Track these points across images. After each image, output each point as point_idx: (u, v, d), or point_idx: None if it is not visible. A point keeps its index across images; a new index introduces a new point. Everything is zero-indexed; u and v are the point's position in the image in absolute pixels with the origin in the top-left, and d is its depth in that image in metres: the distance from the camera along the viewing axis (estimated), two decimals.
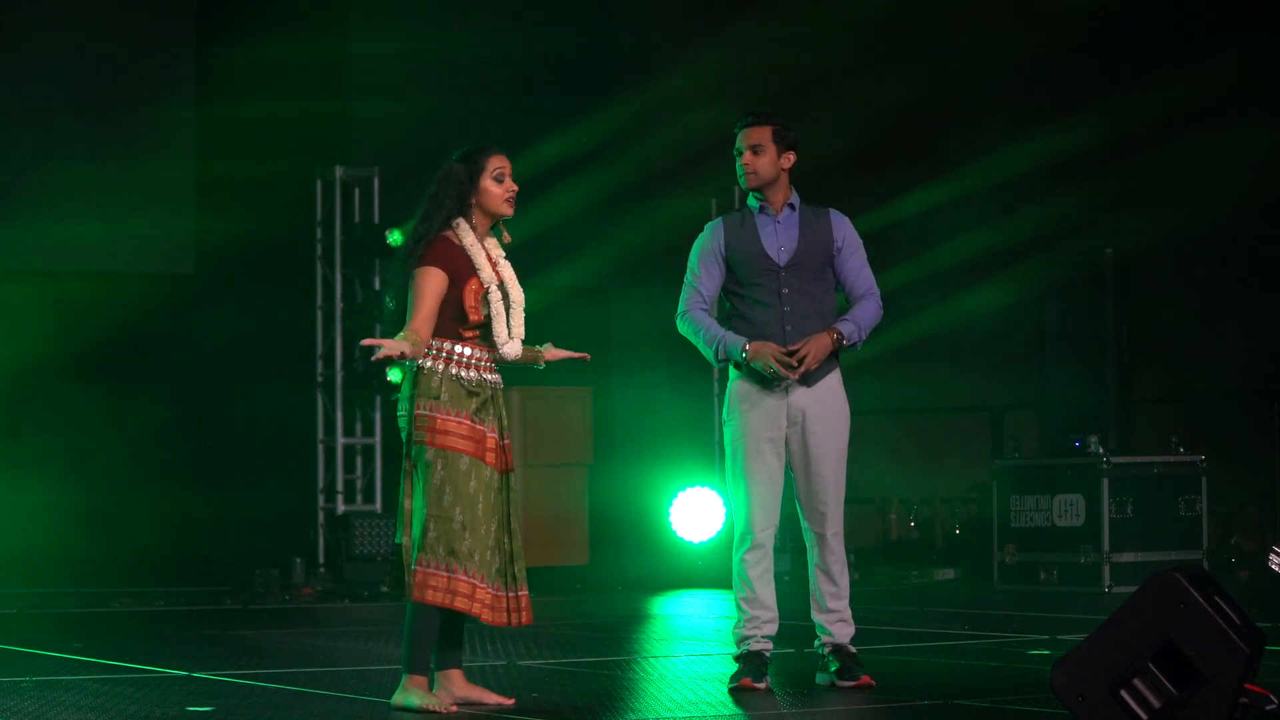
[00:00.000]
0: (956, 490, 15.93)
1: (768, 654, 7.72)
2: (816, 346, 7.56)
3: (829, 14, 15.38)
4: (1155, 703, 5.76)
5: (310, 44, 15.04)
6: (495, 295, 7.08)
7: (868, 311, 7.73)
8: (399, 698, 7.00)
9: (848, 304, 7.78)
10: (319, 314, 14.98)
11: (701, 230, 7.85)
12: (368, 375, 14.57)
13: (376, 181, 14.84)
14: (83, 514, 14.32)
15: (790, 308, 7.64)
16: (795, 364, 7.55)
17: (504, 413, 7.12)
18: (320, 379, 14.94)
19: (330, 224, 14.92)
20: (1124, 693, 5.78)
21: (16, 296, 14.57)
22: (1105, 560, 13.13)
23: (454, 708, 7.00)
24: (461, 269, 7.04)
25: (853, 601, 7.77)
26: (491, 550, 6.98)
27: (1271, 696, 6.04)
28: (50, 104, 15.02)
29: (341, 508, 14.76)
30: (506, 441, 7.10)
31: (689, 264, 7.77)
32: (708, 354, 7.71)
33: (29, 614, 12.09)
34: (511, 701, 7.14)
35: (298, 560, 14.41)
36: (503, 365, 7.18)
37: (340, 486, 14.81)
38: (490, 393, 7.07)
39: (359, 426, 14.94)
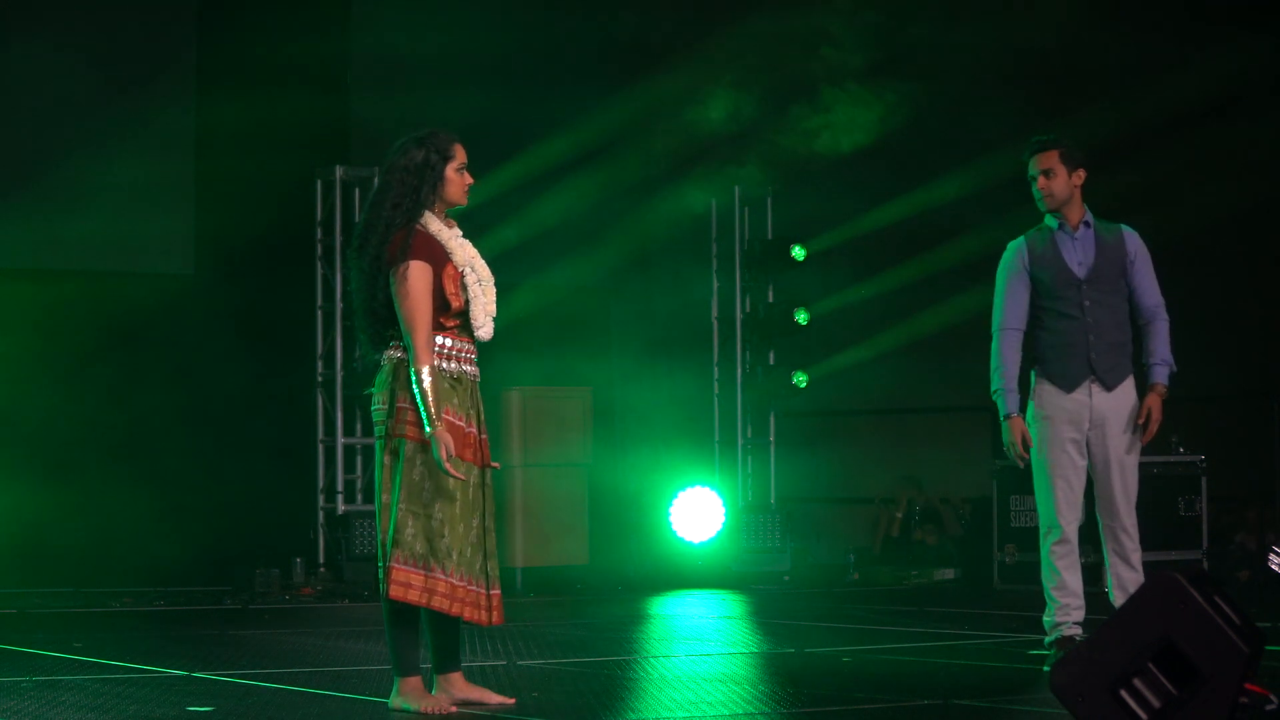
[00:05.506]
0: (957, 490, 15.92)
1: (1078, 638, 8.10)
2: (1158, 410, 8.26)
3: (833, 10, 15.35)
4: (1155, 703, 5.75)
5: (311, 42, 15.03)
6: (472, 277, 6.99)
7: (1165, 340, 8.40)
8: (396, 700, 6.96)
9: (1136, 314, 8.40)
10: (319, 314, 14.98)
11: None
12: (368, 375, 14.55)
13: (376, 181, 14.81)
14: (82, 513, 14.30)
15: (1092, 319, 8.27)
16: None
17: (481, 406, 7.04)
18: (320, 379, 14.94)
19: (330, 224, 14.92)
20: (1124, 693, 5.78)
21: (15, 296, 14.55)
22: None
23: (453, 708, 6.98)
24: (438, 256, 6.96)
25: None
26: (473, 547, 6.88)
27: (1271, 696, 6.04)
28: (51, 106, 15.01)
29: (341, 508, 14.75)
30: (484, 436, 7.01)
31: (998, 284, 8.41)
32: (992, 381, 8.32)
33: (29, 614, 12.08)
34: (512, 701, 7.13)
35: (298, 560, 14.40)
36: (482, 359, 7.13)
37: (340, 486, 14.80)
38: (470, 385, 6.98)
39: (359, 426, 14.93)
